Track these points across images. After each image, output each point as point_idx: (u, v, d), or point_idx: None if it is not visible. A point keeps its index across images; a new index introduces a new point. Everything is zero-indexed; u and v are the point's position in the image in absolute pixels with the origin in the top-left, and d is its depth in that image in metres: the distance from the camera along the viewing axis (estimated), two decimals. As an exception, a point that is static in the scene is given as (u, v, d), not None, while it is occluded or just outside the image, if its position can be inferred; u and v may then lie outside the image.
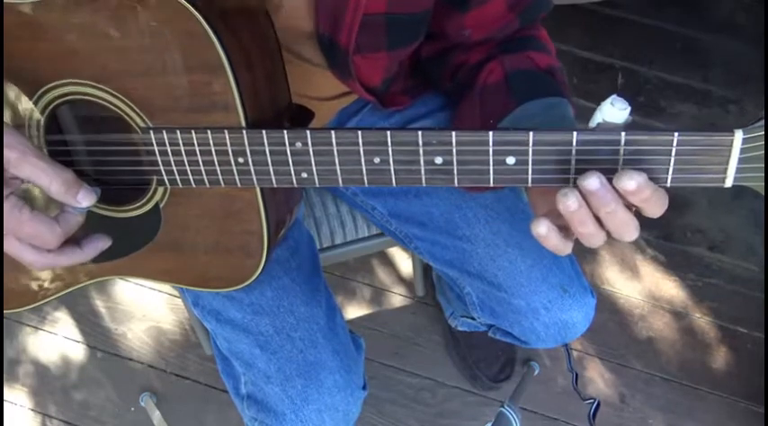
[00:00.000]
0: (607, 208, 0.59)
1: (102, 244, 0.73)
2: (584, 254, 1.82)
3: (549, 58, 0.84)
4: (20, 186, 0.66)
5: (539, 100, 0.76)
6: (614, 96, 0.60)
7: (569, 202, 0.59)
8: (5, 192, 0.64)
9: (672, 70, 2.14)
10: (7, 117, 0.74)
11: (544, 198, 0.71)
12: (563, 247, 0.64)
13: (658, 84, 2.12)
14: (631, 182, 0.57)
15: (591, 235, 0.62)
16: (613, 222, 0.60)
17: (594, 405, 1.50)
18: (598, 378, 1.67)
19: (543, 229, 0.62)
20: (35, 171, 0.64)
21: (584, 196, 0.59)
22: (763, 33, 2.13)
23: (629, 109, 0.60)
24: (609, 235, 0.62)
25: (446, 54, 0.91)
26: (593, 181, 0.58)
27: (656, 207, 0.60)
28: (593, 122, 0.61)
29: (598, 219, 0.61)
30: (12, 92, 0.72)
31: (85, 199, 0.67)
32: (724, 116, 2.05)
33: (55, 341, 1.70)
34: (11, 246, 0.67)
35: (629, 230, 0.61)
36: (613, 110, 0.60)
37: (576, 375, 1.58)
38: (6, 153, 0.62)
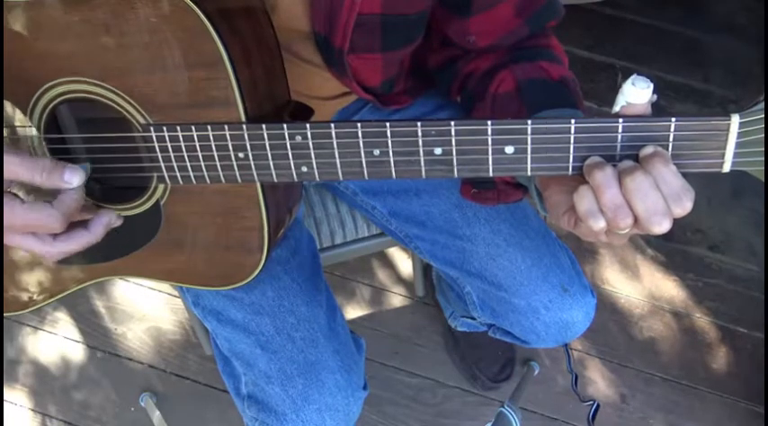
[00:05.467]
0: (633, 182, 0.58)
1: (107, 218, 0.72)
2: (584, 254, 1.82)
3: (561, 69, 0.82)
4: (7, 186, 0.66)
5: (551, 110, 0.75)
6: (635, 76, 0.59)
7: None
8: None
9: (672, 70, 2.14)
10: (8, 116, 0.74)
11: (564, 195, 0.68)
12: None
13: (658, 83, 2.11)
14: (649, 148, 0.58)
15: (618, 215, 0.59)
16: (643, 200, 0.58)
17: (594, 407, 1.50)
18: (598, 378, 1.67)
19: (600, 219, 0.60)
20: (12, 168, 0.64)
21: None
22: (763, 33, 2.13)
23: (651, 86, 0.59)
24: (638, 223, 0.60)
25: (454, 63, 0.90)
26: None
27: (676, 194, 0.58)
28: (617, 106, 0.60)
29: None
30: (12, 91, 0.72)
31: (73, 177, 0.66)
32: (724, 116, 2.05)
33: (55, 341, 1.70)
34: (19, 243, 0.68)
35: (660, 213, 0.59)
36: (635, 91, 0.59)
37: (576, 376, 1.57)
38: None
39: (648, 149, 0.59)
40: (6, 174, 0.65)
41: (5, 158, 0.64)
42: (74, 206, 0.67)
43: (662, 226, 0.59)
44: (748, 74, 2.13)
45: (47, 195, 0.74)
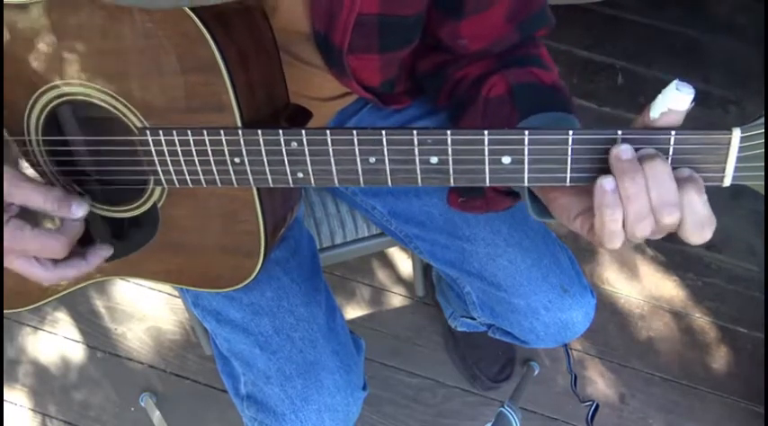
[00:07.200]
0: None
1: (104, 252, 0.78)
2: (583, 254, 1.82)
3: (552, 76, 0.82)
4: (16, 210, 0.69)
5: (544, 113, 0.74)
6: (677, 81, 0.55)
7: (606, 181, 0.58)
8: (5, 218, 0.67)
9: (672, 70, 2.13)
10: (6, 118, 0.74)
11: (572, 197, 0.66)
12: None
13: (658, 84, 2.12)
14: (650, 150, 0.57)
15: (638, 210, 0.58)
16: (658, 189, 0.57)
17: (593, 408, 1.50)
18: (598, 378, 1.67)
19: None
20: (26, 193, 0.67)
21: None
22: (763, 33, 2.13)
23: (693, 92, 0.56)
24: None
25: (443, 69, 0.90)
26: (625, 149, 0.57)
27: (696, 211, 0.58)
28: (656, 112, 0.57)
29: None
30: (10, 93, 0.72)
31: (79, 209, 0.70)
32: (724, 116, 2.05)
33: (55, 341, 1.70)
34: (21, 266, 0.71)
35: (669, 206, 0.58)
36: (680, 96, 0.55)
37: (576, 376, 1.58)
38: None
39: (649, 150, 0.58)
40: (19, 198, 0.67)
41: (19, 183, 0.67)
42: (76, 233, 0.71)
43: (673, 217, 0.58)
44: (748, 74, 2.13)
45: (44, 220, 0.78)
